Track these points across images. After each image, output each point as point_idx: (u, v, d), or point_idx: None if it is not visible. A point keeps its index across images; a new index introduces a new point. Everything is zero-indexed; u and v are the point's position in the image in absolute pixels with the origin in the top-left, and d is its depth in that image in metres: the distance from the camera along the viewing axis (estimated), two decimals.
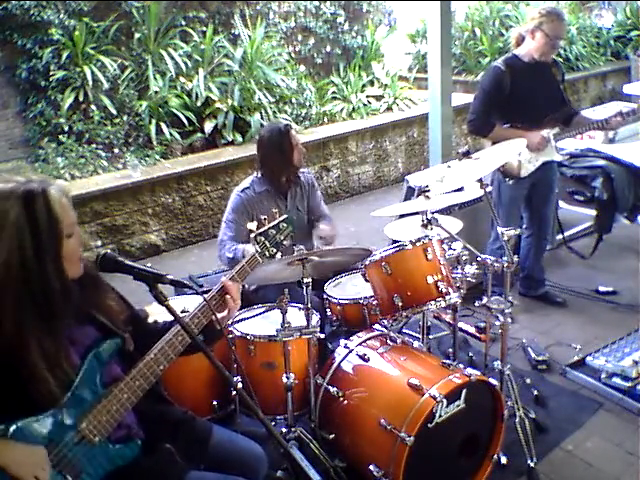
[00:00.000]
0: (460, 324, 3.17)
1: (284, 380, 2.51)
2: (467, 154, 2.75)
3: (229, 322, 2.59)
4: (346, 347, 2.67)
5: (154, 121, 5.84)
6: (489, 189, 2.83)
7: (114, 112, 5.73)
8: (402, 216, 3.25)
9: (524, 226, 4.01)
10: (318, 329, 2.56)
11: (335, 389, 2.53)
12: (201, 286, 3.48)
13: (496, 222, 2.89)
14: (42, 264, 1.50)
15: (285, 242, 2.07)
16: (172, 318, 1.61)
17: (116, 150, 5.69)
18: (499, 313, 2.74)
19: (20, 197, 1.49)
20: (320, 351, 2.84)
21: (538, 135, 3.61)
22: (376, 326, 2.81)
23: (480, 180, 2.75)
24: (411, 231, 2.92)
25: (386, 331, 2.73)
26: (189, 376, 2.65)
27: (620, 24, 10.24)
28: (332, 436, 2.53)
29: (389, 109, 7.33)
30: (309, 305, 2.50)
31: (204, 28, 6.50)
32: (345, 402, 2.51)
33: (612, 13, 10.66)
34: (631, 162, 4.45)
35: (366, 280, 2.72)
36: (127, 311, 1.79)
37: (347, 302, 2.93)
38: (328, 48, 7.82)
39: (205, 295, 1.81)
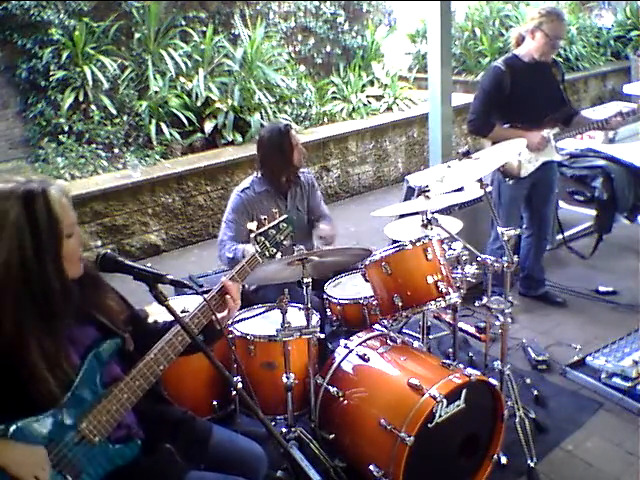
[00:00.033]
0: (460, 324, 3.17)
1: (284, 380, 2.51)
2: (467, 154, 2.75)
3: (229, 322, 2.59)
4: (346, 347, 2.67)
5: (154, 121, 5.84)
6: (489, 189, 2.83)
7: (114, 112, 5.73)
8: (402, 216, 3.24)
9: (524, 226, 4.01)
10: (318, 329, 2.55)
11: (335, 389, 2.53)
12: (201, 286, 3.48)
13: (496, 222, 2.89)
14: (42, 264, 1.50)
15: (285, 242, 2.07)
16: (172, 318, 1.61)
17: (116, 150, 5.69)
18: (499, 313, 2.74)
19: (20, 197, 1.49)
20: (320, 351, 2.83)
21: (538, 135, 3.61)
22: (376, 326, 2.80)
23: (480, 180, 2.75)
24: (411, 231, 2.92)
25: (386, 331, 2.73)
26: (189, 376, 2.65)
27: (620, 24, 10.24)
28: (332, 436, 2.53)
29: (389, 109, 7.33)
30: (309, 305, 2.50)
31: (204, 28, 6.50)
32: (345, 402, 2.51)
33: (612, 13, 10.66)
34: (631, 162, 4.45)
35: (366, 280, 2.72)
36: (127, 311, 1.79)
37: (347, 302, 2.93)
38: (328, 48, 7.82)
39: (205, 295, 1.81)
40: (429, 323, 3.03)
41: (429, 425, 2.23)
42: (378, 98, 7.42)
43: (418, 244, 2.57)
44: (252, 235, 2.00)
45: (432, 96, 4.95)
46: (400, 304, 2.55)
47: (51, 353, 1.50)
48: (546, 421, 2.91)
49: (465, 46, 8.86)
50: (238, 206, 3.15)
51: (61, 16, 5.63)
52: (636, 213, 4.53)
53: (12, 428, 1.44)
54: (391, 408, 2.34)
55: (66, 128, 5.56)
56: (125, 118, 5.82)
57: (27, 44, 5.51)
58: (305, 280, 2.47)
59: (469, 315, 3.83)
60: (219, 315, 1.82)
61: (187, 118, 5.92)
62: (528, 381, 3.17)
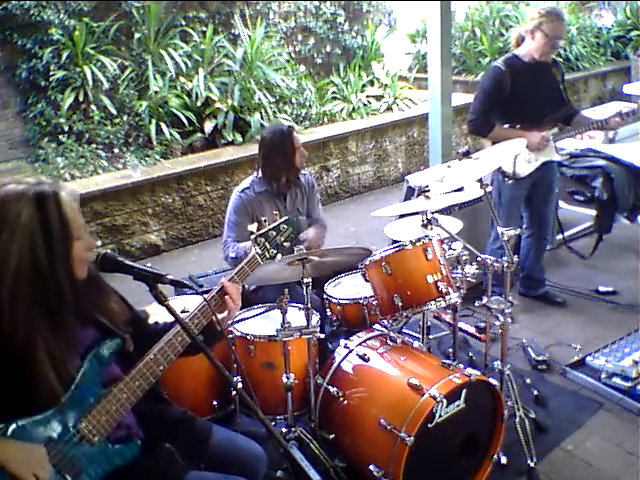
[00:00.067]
0: (460, 324, 3.17)
1: (284, 380, 2.51)
2: (467, 154, 2.75)
3: (229, 323, 2.59)
4: (346, 347, 2.67)
5: (154, 121, 5.84)
6: (489, 189, 2.83)
7: (114, 112, 5.73)
8: (402, 216, 3.24)
9: (524, 226, 4.01)
10: (318, 329, 2.56)
11: (335, 389, 2.53)
12: (201, 286, 3.48)
13: (496, 222, 2.89)
14: (53, 265, 1.51)
15: (285, 244, 2.07)
16: (172, 319, 1.61)
17: (116, 150, 5.68)
18: (499, 313, 2.74)
19: (32, 199, 1.50)
20: (320, 351, 2.83)
21: (538, 135, 3.61)
22: (376, 326, 2.80)
23: (480, 180, 2.75)
24: (411, 231, 2.92)
25: (386, 331, 2.73)
26: (189, 376, 2.65)
27: (620, 24, 10.23)
28: (332, 436, 2.53)
29: (389, 109, 7.33)
30: (309, 305, 2.50)
31: (204, 28, 6.50)
32: (345, 402, 2.51)
33: (612, 13, 10.66)
34: (631, 162, 4.45)
35: (366, 280, 2.72)
36: (128, 313, 1.79)
37: (347, 302, 2.93)
38: (328, 48, 7.81)
39: (205, 295, 1.81)
40: (429, 323, 3.03)
41: (429, 425, 2.23)
42: (378, 98, 7.42)
43: (418, 244, 2.57)
44: (252, 237, 2.01)
45: (432, 96, 4.95)
46: (400, 304, 2.55)
47: (56, 353, 1.51)
48: (546, 421, 2.91)
49: (465, 46, 8.86)
50: (239, 206, 3.15)
51: (61, 16, 5.63)
52: (636, 213, 4.53)
53: (12, 427, 1.44)
54: (391, 408, 2.34)
55: (66, 128, 5.56)
56: (125, 118, 5.81)
57: (27, 44, 5.51)
58: (305, 280, 2.47)
59: (469, 315, 3.83)
60: (219, 316, 1.82)
61: (187, 118, 5.92)
62: (528, 381, 3.17)
